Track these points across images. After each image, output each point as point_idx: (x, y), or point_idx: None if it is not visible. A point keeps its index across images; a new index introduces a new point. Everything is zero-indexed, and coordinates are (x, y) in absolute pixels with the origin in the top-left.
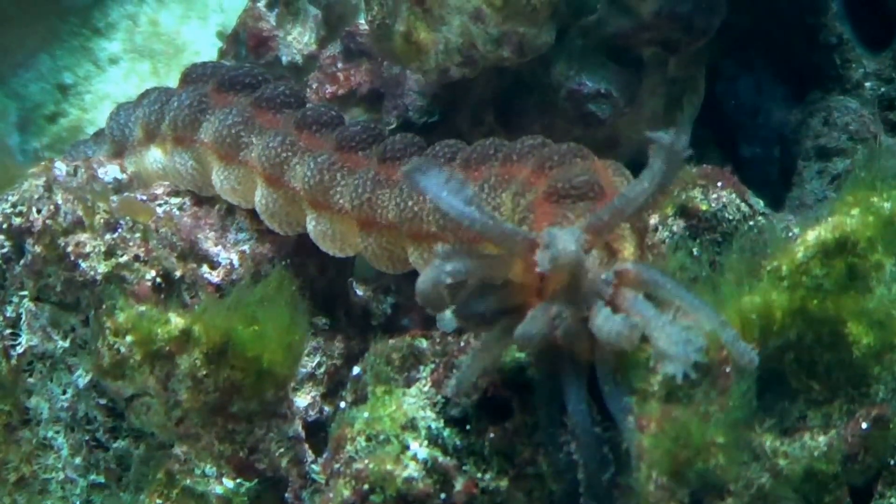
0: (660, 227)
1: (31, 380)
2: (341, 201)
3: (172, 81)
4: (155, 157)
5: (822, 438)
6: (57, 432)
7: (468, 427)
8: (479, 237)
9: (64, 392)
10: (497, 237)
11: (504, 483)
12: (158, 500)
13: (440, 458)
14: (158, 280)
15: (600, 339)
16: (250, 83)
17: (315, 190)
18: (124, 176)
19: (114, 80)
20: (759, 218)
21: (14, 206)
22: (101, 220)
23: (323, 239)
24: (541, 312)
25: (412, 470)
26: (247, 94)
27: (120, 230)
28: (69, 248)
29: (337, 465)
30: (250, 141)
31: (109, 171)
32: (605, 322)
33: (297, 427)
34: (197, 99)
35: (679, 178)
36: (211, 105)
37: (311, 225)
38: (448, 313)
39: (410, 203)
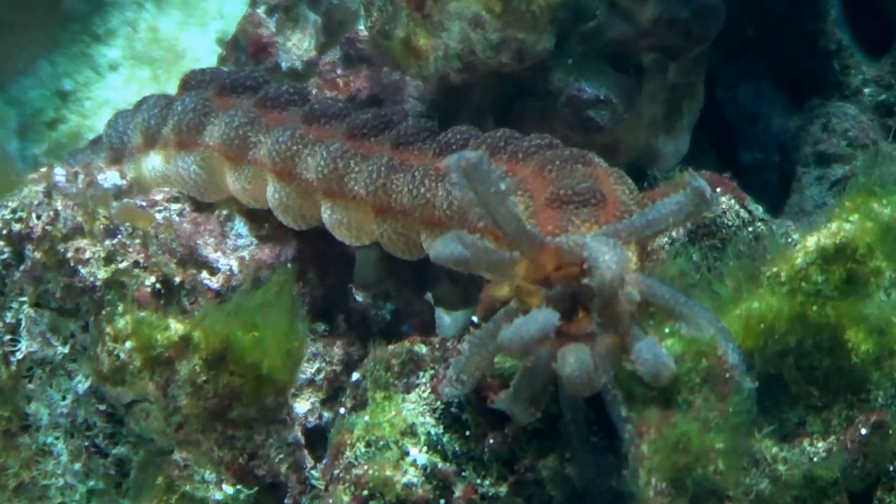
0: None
1: (30, 386)
2: (356, 188)
3: (172, 88)
4: (155, 162)
5: (821, 444)
6: (56, 438)
7: (467, 433)
8: (492, 229)
9: (63, 398)
10: (513, 233)
11: (503, 489)
12: None
13: (440, 464)
14: (158, 286)
15: (640, 370)
16: (252, 86)
17: (329, 178)
18: (124, 182)
19: (113, 87)
20: (759, 224)
21: (14, 212)
22: (101, 226)
23: (339, 228)
24: (540, 316)
25: (412, 476)
26: (249, 96)
27: (119, 236)
28: (69, 254)
29: (336, 471)
30: (258, 140)
31: (109, 177)
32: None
33: (297, 433)
34: (200, 103)
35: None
36: (214, 109)
37: (327, 214)
38: (447, 319)
39: (423, 189)
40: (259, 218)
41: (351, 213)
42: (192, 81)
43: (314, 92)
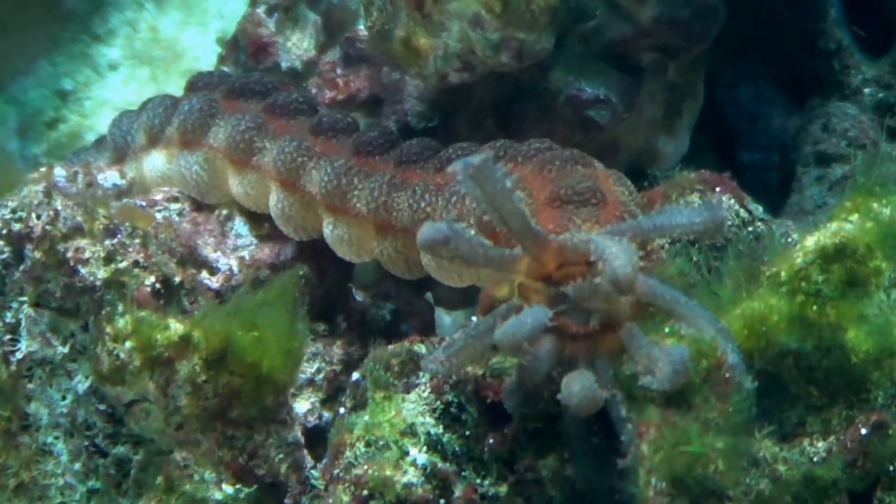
0: None
1: (30, 385)
2: (358, 205)
3: (171, 87)
4: (157, 160)
5: (821, 444)
6: (56, 438)
7: (467, 433)
8: (489, 230)
9: (63, 398)
10: (518, 229)
11: (503, 489)
12: None
13: (439, 464)
14: (158, 286)
15: (656, 375)
16: (261, 91)
17: (332, 194)
18: (123, 182)
19: (113, 87)
20: (759, 224)
21: (14, 211)
22: (101, 226)
23: (340, 244)
24: (530, 316)
25: (411, 475)
26: (257, 101)
27: (119, 236)
28: (69, 254)
29: (336, 471)
30: (264, 146)
31: (109, 177)
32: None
33: (297, 433)
34: (207, 104)
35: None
36: (221, 111)
37: (328, 230)
38: (447, 319)
39: (423, 204)
40: (259, 218)
41: (352, 229)
42: (198, 83)
43: (314, 91)
